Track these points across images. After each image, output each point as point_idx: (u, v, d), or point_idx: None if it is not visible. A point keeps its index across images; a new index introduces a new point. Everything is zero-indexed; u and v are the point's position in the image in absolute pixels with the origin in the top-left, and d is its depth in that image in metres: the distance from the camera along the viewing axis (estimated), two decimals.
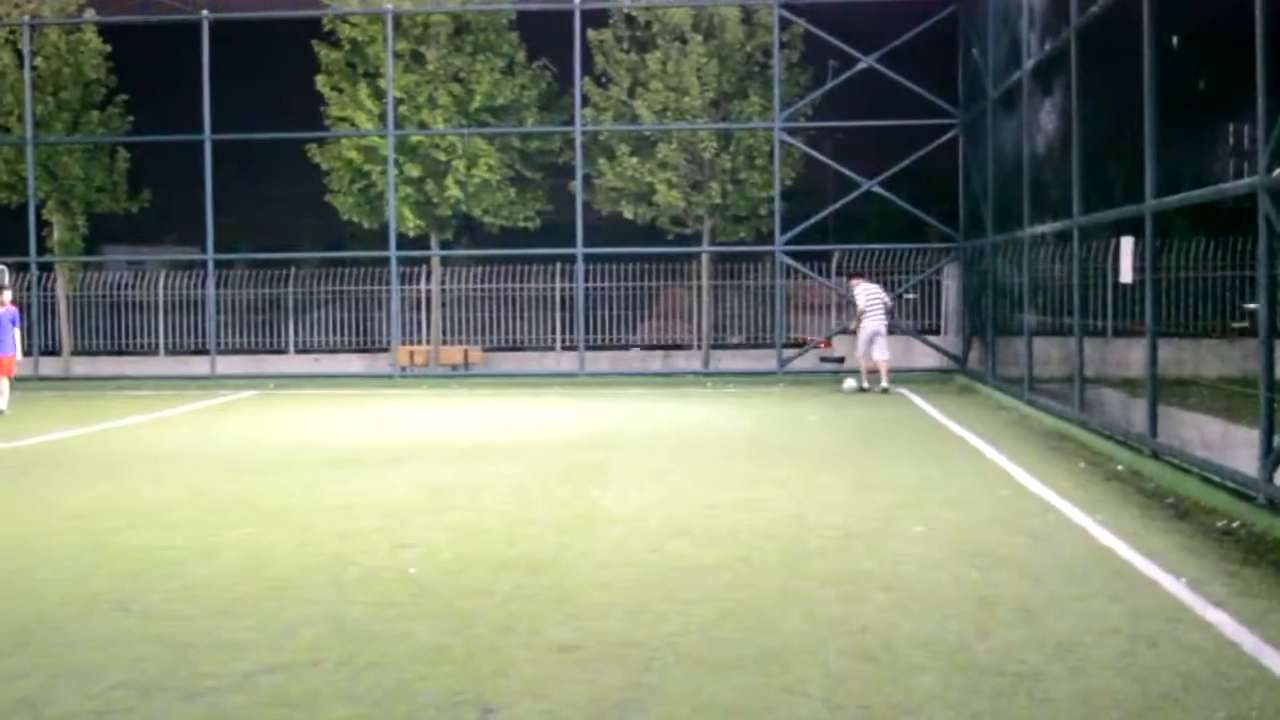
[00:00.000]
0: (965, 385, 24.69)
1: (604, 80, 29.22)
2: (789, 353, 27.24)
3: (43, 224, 30.02)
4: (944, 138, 26.85)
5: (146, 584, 8.83)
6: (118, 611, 8.06)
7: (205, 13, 27.74)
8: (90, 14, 30.32)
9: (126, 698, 6.41)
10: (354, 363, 31.23)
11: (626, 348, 31.02)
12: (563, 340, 30.98)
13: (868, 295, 24.30)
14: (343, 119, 29.58)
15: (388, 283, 28.23)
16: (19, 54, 29.57)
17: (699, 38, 28.46)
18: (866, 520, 10.84)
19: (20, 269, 28.78)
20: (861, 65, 26.88)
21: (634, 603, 8.11)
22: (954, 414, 19.63)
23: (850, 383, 24.68)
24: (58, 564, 9.52)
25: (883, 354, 23.97)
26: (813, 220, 27.70)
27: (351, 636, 7.44)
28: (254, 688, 6.56)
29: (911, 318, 29.50)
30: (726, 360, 30.12)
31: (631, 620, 7.71)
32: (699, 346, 30.76)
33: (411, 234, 29.81)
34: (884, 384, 23.80)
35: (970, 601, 8.05)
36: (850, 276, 25.78)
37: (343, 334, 32.02)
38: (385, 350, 29.83)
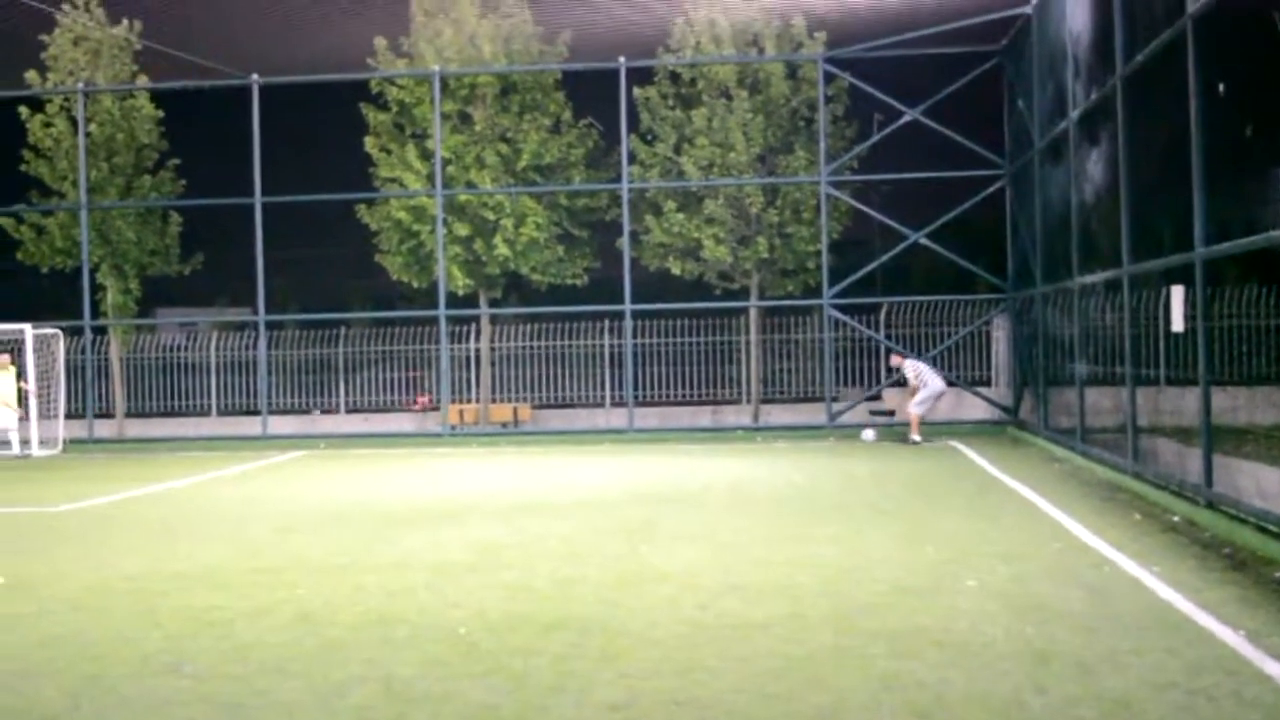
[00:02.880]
0: (1017, 437, 24.51)
1: (650, 137, 29.35)
2: (838, 406, 27.13)
3: (97, 287, 30.38)
4: (991, 188, 26.82)
5: (198, 645, 8.85)
6: (170, 673, 8.08)
7: (255, 77, 28.11)
8: (142, 80, 30.75)
9: None
10: (404, 422, 31.35)
11: (680, 403, 30.96)
12: (612, 397, 30.98)
13: (917, 369, 24.39)
14: (391, 180, 29.82)
15: (437, 341, 28.38)
16: (73, 121, 30.02)
17: (744, 93, 28.56)
18: (918, 575, 10.74)
19: (75, 333, 29.12)
20: (906, 118, 26.94)
21: (685, 661, 8.06)
22: (1006, 466, 19.47)
23: (869, 434, 24.74)
24: (111, 625, 9.56)
25: (919, 408, 24.04)
26: (861, 273, 27.66)
27: (401, 696, 7.43)
28: None
29: (958, 370, 29.32)
30: (776, 414, 30.04)
31: (683, 678, 7.66)
32: (748, 401, 30.69)
33: (460, 293, 29.97)
34: (916, 437, 23.81)
35: (1025, 656, 7.95)
36: (893, 354, 25.77)
37: (393, 393, 32.16)
38: (436, 409, 29.92)
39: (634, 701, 7.21)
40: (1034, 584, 10.22)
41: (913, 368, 24.52)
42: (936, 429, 25.50)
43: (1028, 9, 23.70)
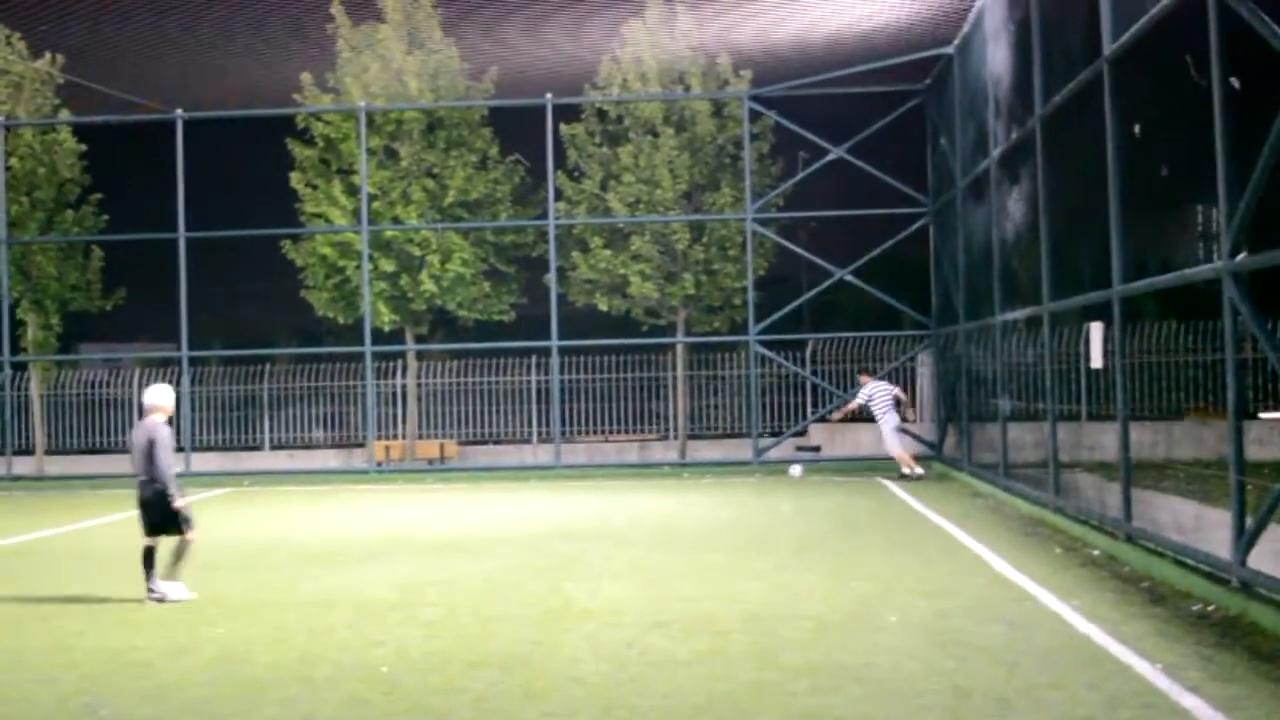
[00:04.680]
0: (941, 472, 24.70)
1: (576, 174, 29.44)
2: (765, 442, 27.25)
3: (17, 323, 29.96)
4: (914, 226, 27.11)
5: (116, 685, 8.74)
6: (86, 715, 7.96)
7: (179, 111, 27.92)
8: (65, 114, 30.44)
9: None
10: (330, 458, 31.10)
11: (606, 437, 30.95)
12: (539, 433, 30.93)
13: (881, 392, 24.38)
14: (317, 215, 29.67)
15: (363, 378, 28.23)
16: None
17: (670, 131, 28.70)
18: (841, 610, 10.79)
19: None
20: (831, 156, 27.19)
21: (608, 698, 8.05)
22: (930, 501, 19.61)
23: (796, 470, 24.86)
24: (26, 665, 9.42)
25: (896, 446, 24.15)
26: (786, 310, 27.84)
27: None
28: None
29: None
30: (703, 450, 30.10)
31: (605, 716, 7.65)
32: (675, 437, 30.74)
33: (387, 329, 29.85)
34: (918, 470, 23.86)
35: (945, 692, 8.01)
36: (862, 373, 25.82)
37: (318, 429, 31.93)
38: (361, 445, 29.73)
39: None
40: (955, 619, 10.30)
41: (870, 390, 24.42)
42: (860, 465, 25.66)
43: (949, 49, 24.03)
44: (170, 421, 12.51)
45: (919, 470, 23.83)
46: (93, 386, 32.45)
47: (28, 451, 30.95)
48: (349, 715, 7.81)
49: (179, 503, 12.21)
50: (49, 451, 31.59)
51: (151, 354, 37.93)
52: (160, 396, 12.43)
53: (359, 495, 23.71)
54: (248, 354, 32.44)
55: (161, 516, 12.20)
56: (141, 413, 12.65)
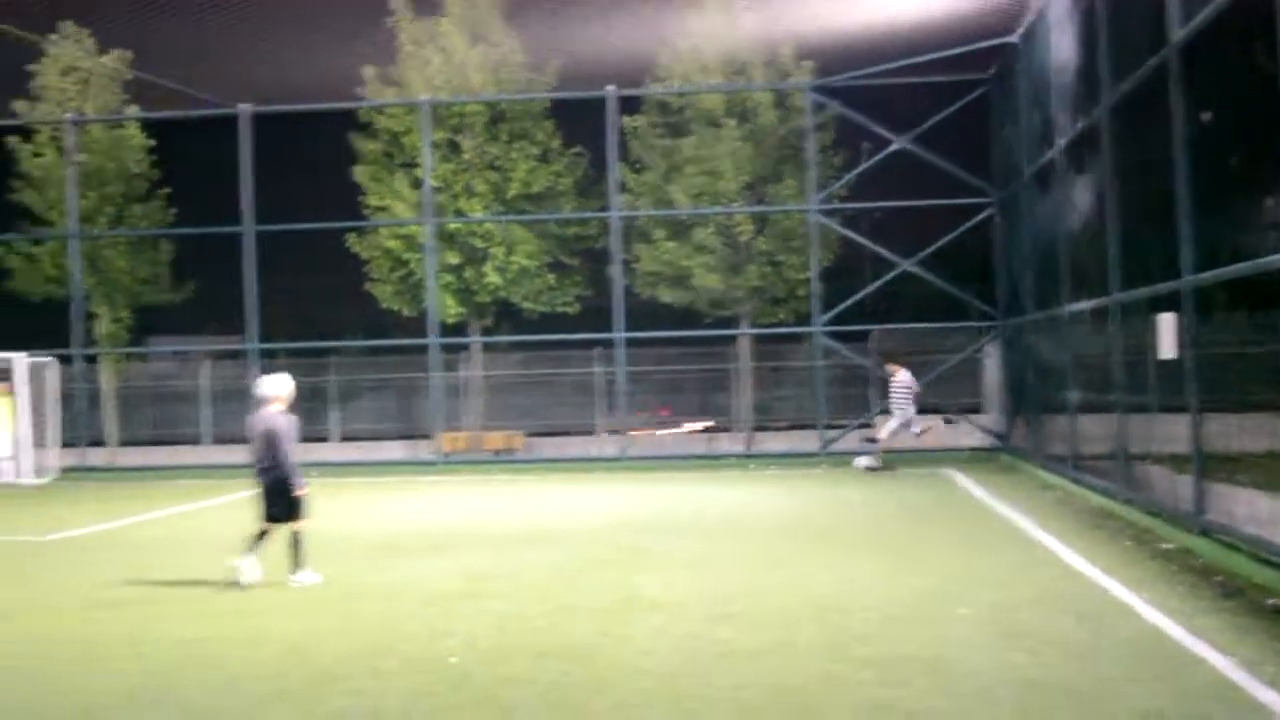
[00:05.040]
0: (1009, 464, 24.52)
1: (639, 166, 29.43)
2: (831, 434, 27.16)
3: (88, 316, 30.35)
4: (980, 216, 26.89)
5: (187, 676, 8.83)
6: (159, 705, 8.06)
7: (244, 106, 28.15)
8: (132, 110, 30.77)
9: None
10: (396, 450, 31.30)
11: (675, 424, 30.90)
12: (604, 425, 30.95)
13: (902, 384, 24.26)
14: (381, 208, 29.87)
15: (428, 370, 28.39)
16: (63, 150, 30.02)
17: (732, 122, 28.63)
18: (909, 603, 10.74)
19: (67, 361, 29.05)
20: (895, 146, 27.03)
21: (678, 690, 8.06)
22: (998, 493, 19.47)
23: (862, 461, 24.72)
24: (100, 657, 9.54)
25: (892, 436, 24.11)
26: (850, 301, 27.71)
27: None
28: None
29: (949, 397, 29.29)
30: (768, 442, 30.03)
31: (675, 707, 7.66)
32: (741, 428, 30.68)
33: (452, 321, 29.97)
34: (873, 462, 23.93)
35: (1015, 684, 7.95)
36: (888, 361, 25.56)
37: (385, 421, 32.11)
38: (427, 437, 29.88)
39: None
40: (1025, 612, 10.22)
41: (902, 381, 24.30)
42: (927, 457, 25.49)
43: (1014, 38, 23.82)
44: (288, 411, 12.65)
45: (877, 465, 23.99)
46: (162, 379, 32.82)
47: (101, 443, 31.36)
48: (418, 707, 7.85)
49: (300, 491, 12.36)
50: (121, 443, 31.99)
51: (219, 346, 38.30)
52: (277, 387, 12.58)
53: (426, 487, 23.83)
54: (315, 346, 32.70)
55: (279, 504, 12.37)
56: (255, 404, 12.75)
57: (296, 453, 12.47)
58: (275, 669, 8.97)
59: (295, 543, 12.48)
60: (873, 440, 25.31)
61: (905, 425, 24.14)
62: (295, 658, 9.31)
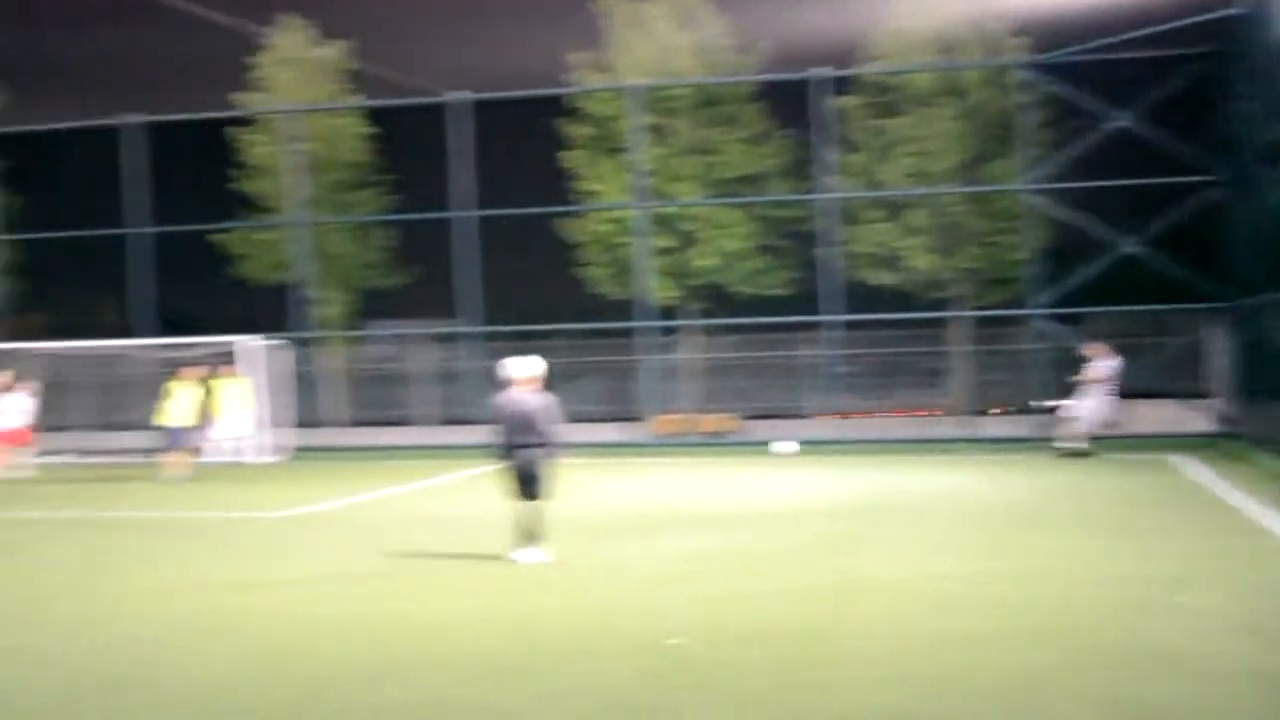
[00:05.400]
0: (1236, 450, 23.69)
1: (849, 147, 29.19)
2: (1048, 418, 26.56)
3: (314, 300, 31.32)
4: (1205, 194, 25.99)
5: (415, 651, 9.06)
6: (385, 679, 8.30)
7: (459, 94, 28.71)
8: (352, 99, 31.66)
9: None
10: (609, 432, 31.59)
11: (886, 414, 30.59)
12: (818, 407, 30.77)
13: (1101, 371, 23.55)
14: (592, 193, 30.20)
15: (640, 353, 28.62)
16: (286, 140, 31.03)
17: (945, 101, 28.20)
18: (1132, 590, 10.50)
19: (293, 343, 30.05)
20: (1113, 123, 26.29)
21: (904, 673, 8.00)
22: (1225, 480, 18.85)
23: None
24: (331, 631, 9.86)
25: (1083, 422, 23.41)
26: (1069, 283, 27.06)
27: (618, 706, 7.52)
28: None
29: (1174, 380, 28.41)
30: (986, 426, 29.49)
31: (902, 690, 7.61)
32: (957, 412, 30.23)
33: (664, 304, 30.16)
34: (1080, 445, 23.19)
35: (1246, 676, 7.72)
36: (1092, 347, 24.80)
37: (598, 404, 32.45)
38: (639, 420, 30.12)
39: (857, 713, 7.20)
40: (1257, 602, 9.92)
41: (1102, 365, 23.60)
42: (1149, 442, 24.77)
43: (1240, 10, 22.97)
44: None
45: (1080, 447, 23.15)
46: (383, 362, 33.71)
47: (324, 424, 32.36)
48: (640, 687, 7.93)
49: (554, 470, 12.75)
50: (347, 423, 32.95)
51: (437, 330, 39.12)
52: (527, 368, 12.88)
53: (640, 469, 24.04)
54: (528, 329, 33.18)
55: (530, 483, 12.66)
56: (501, 385, 13.04)
57: (560, 432, 12.74)
58: (501, 646, 9.16)
59: (533, 521, 12.71)
60: (1055, 412, 24.53)
61: (1099, 410, 23.47)
62: (521, 635, 9.51)
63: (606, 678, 8.20)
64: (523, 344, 32.34)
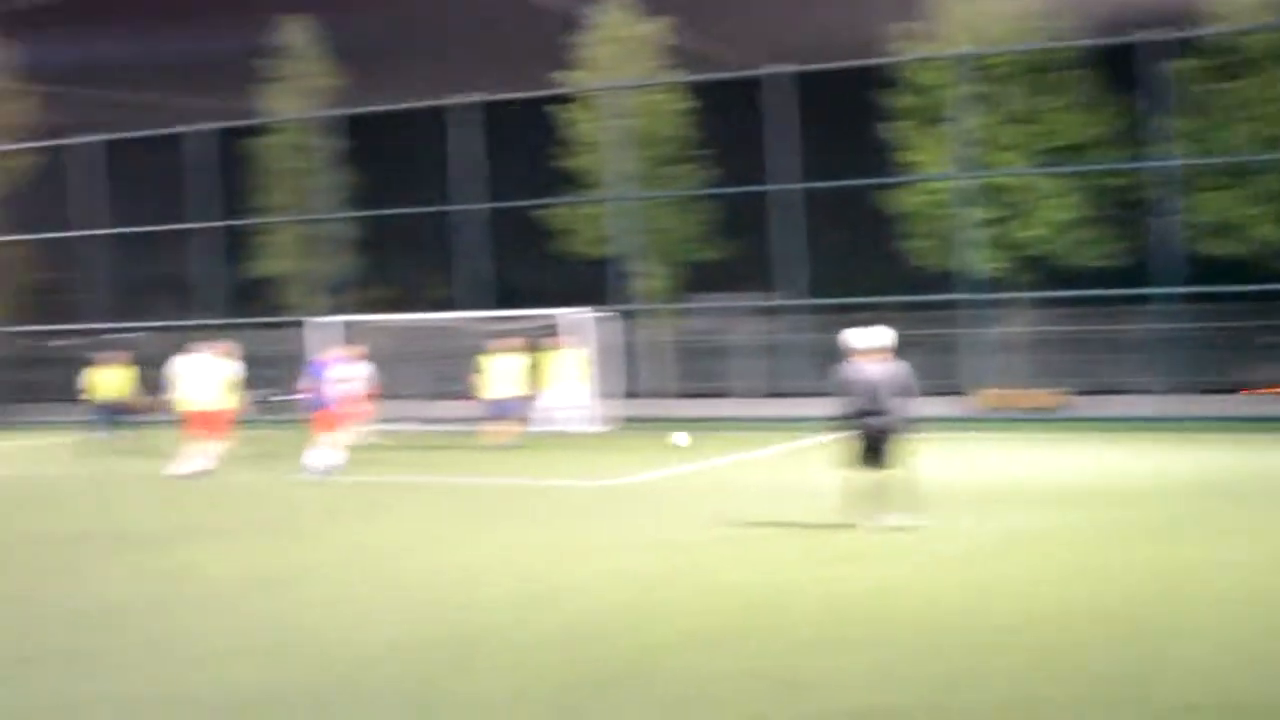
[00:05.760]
0: None
1: (1185, 112, 27.89)
2: None
3: (635, 274, 31.86)
4: None
5: (751, 622, 9.18)
6: (723, 646, 8.43)
7: (777, 67, 28.72)
8: (673, 75, 32.05)
9: None
10: (931, 406, 31.10)
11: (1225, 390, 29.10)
12: (1152, 383, 29.53)
13: None
14: (913, 164, 29.78)
15: (964, 326, 28.11)
16: (608, 115, 31.63)
17: None
18: None
19: (616, 316, 30.67)
20: None
21: (1259, 659, 7.70)
22: None
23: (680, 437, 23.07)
24: (663, 598, 10.06)
25: None
26: None
27: (958, 683, 7.45)
28: None
29: None
30: None
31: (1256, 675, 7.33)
32: None
33: (987, 276, 29.53)
34: None
35: None
36: None
37: (919, 377, 31.99)
38: (961, 394, 29.57)
39: (1203, 704, 6.96)
40: None
41: None
42: None
43: None
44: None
45: None
46: (703, 334, 34.09)
47: (648, 395, 32.92)
48: (970, 664, 7.85)
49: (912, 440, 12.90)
50: (670, 395, 33.44)
51: (756, 303, 39.32)
52: (875, 338, 12.97)
53: (961, 443, 23.58)
54: (849, 302, 32.98)
55: (879, 452, 12.74)
56: (844, 356, 13.12)
57: (913, 403, 12.87)
58: (839, 616, 9.19)
59: (886, 490, 12.78)
60: None
61: None
62: (862, 605, 9.52)
63: (939, 652, 8.12)
64: (842, 317, 32.28)
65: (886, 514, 12.69)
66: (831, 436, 13.08)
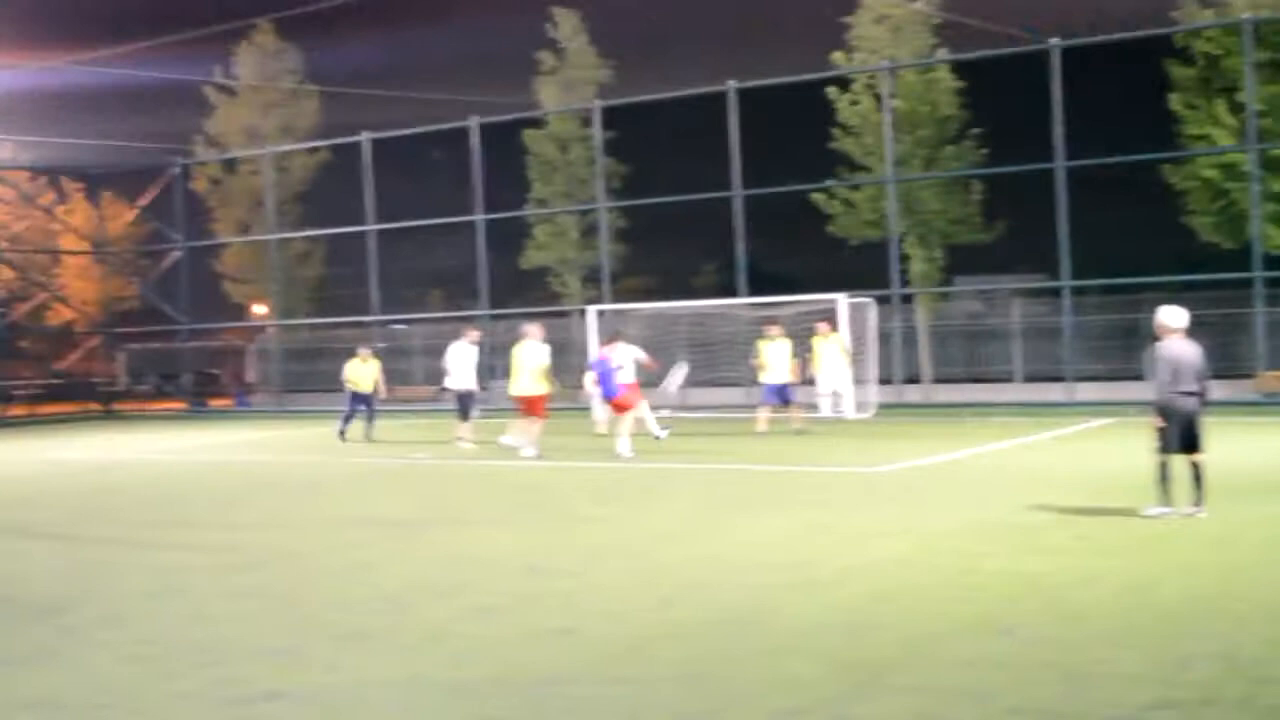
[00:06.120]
0: None
1: None
2: None
3: (903, 257, 31.42)
4: None
5: (1025, 609, 8.87)
6: (1004, 635, 8.15)
7: (1052, 41, 27.88)
8: (942, 53, 31.43)
9: None
10: (1214, 389, 29.81)
11: None
12: None
13: None
14: (1198, 137, 28.53)
15: (1252, 305, 26.85)
16: (878, 97, 31.24)
17: None
18: None
19: (883, 301, 30.31)
20: None
21: None
22: None
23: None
24: (937, 584, 9.81)
25: None
26: None
27: (1247, 676, 7.05)
28: None
29: None
30: None
31: None
32: None
33: (1277, 253, 28.11)
34: None
35: None
36: None
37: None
38: (1250, 377, 28.25)
39: None
40: None
41: None
42: None
43: None
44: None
45: None
46: (972, 317, 33.41)
47: (916, 380, 32.48)
48: (1274, 657, 7.43)
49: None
50: (935, 380, 32.93)
51: (1027, 284, 38.35)
52: (1176, 317, 12.58)
53: (1248, 428, 22.47)
54: (1126, 282, 31.88)
55: (1193, 434, 12.40)
56: (1158, 335, 12.73)
57: (1210, 384, 12.55)
58: (1115, 607, 8.83)
59: (1198, 475, 12.41)
60: None
61: None
62: (1135, 596, 9.11)
63: (1235, 645, 7.68)
64: (1117, 298, 31.30)
65: (1191, 501, 12.29)
66: (1142, 418, 12.59)
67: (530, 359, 20.98)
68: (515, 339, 21.87)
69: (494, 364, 33.95)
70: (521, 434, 20.97)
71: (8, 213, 44.73)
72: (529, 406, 21.02)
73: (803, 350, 25.25)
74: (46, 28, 35.62)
